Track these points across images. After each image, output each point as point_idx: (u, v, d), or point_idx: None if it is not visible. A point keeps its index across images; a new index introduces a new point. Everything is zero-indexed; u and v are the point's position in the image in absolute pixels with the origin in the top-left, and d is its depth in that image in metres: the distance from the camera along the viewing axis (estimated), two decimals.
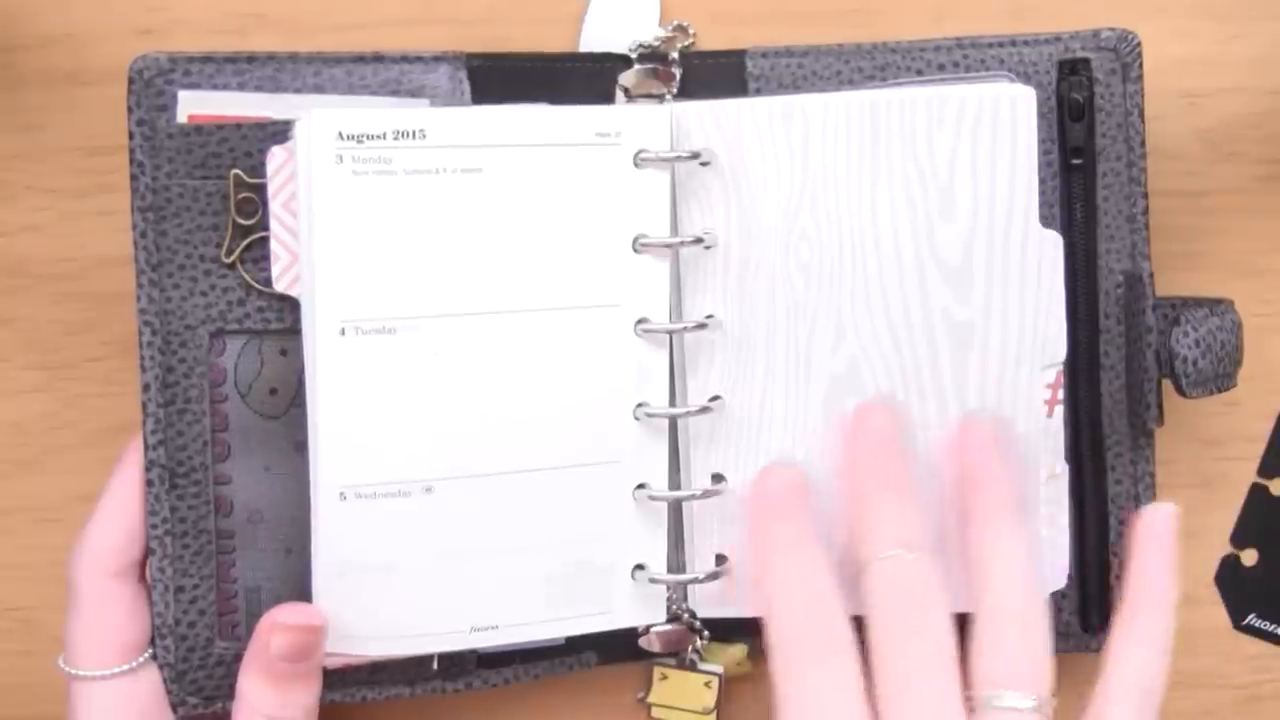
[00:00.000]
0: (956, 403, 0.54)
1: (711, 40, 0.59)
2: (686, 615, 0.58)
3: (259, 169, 0.53)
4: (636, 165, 0.54)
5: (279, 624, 0.51)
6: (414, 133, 0.51)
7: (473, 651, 0.56)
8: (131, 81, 0.53)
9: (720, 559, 0.57)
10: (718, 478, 0.57)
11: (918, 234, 0.53)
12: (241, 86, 0.54)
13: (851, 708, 0.46)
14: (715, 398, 0.56)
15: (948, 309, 0.53)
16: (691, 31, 0.59)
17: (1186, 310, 0.55)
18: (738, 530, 0.57)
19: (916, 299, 0.53)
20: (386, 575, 0.53)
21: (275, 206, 0.52)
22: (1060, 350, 0.54)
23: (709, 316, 0.56)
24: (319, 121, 0.51)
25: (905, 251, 0.53)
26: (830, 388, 0.55)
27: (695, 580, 0.57)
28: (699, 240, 0.55)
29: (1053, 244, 0.54)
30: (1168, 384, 0.55)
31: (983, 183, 0.53)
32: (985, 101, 0.53)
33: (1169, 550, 0.51)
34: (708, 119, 0.55)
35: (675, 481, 0.57)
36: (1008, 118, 0.52)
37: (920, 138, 0.53)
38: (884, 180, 0.53)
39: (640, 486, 0.56)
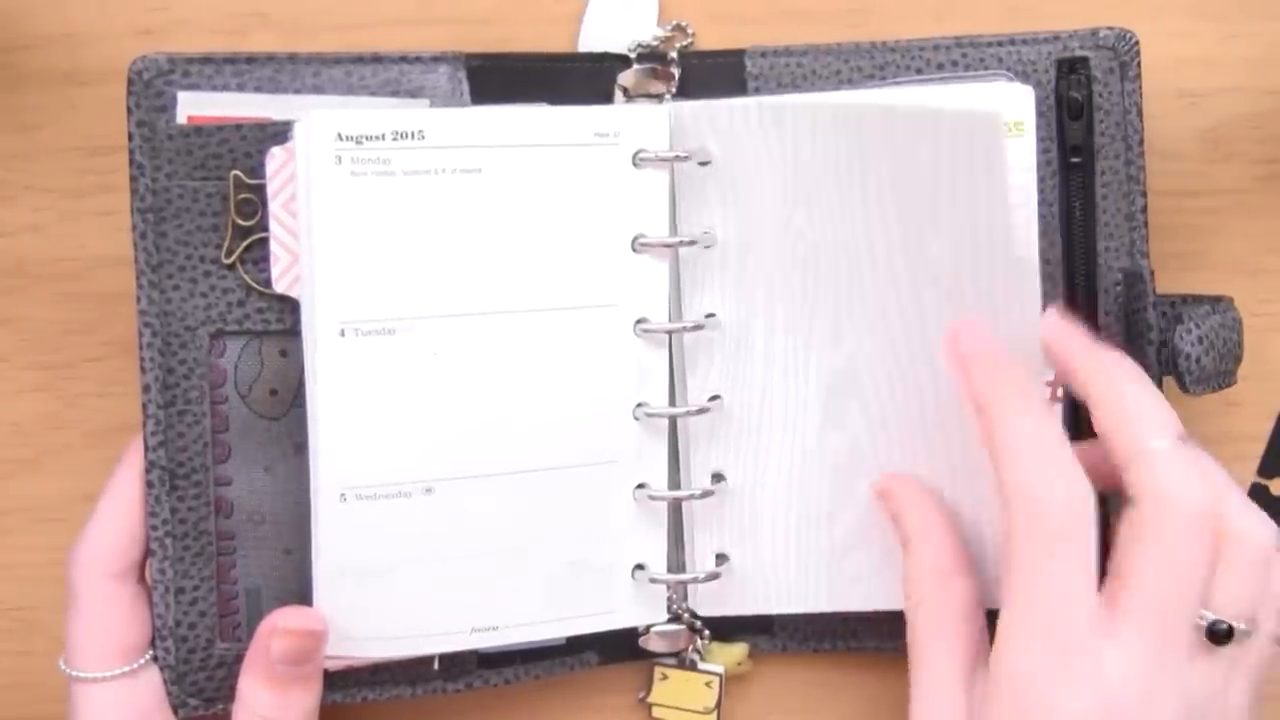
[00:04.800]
0: (952, 399, 0.53)
1: (710, 40, 0.59)
2: (687, 615, 0.58)
3: (259, 170, 0.53)
4: (635, 165, 0.55)
5: (279, 628, 0.51)
6: (413, 133, 0.51)
7: (473, 652, 0.56)
8: (131, 83, 0.53)
9: (721, 558, 0.57)
10: (718, 477, 0.57)
11: (907, 237, 0.53)
12: (241, 87, 0.54)
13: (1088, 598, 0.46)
14: (715, 397, 0.56)
15: (941, 312, 0.53)
16: (690, 31, 0.59)
17: (1188, 308, 0.55)
18: (738, 529, 0.57)
19: (910, 299, 0.53)
20: (387, 576, 0.53)
21: (275, 207, 0.52)
22: (1046, 370, 0.54)
23: (709, 316, 0.56)
24: (318, 122, 0.51)
25: (896, 254, 0.53)
26: (829, 386, 0.55)
27: (695, 580, 0.57)
28: (697, 240, 0.55)
29: (1029, 271, 0.51)
30: (1168, 383, 0.55)
31: (962, 188, 0.52)
32: (980, 102, 0.52)
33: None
34: (704, 119, 0.55)
35: (675, 481, 0.57)
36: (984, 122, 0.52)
37: (909, 139, 0.52)
38: (872, 184, 0.53)
39: (640, 486, 0.56)
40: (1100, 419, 0.49)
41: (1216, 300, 0.55)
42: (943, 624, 0.50)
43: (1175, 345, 0.54)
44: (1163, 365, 0.55)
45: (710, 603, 0.58)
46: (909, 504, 0.53)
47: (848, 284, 0.54)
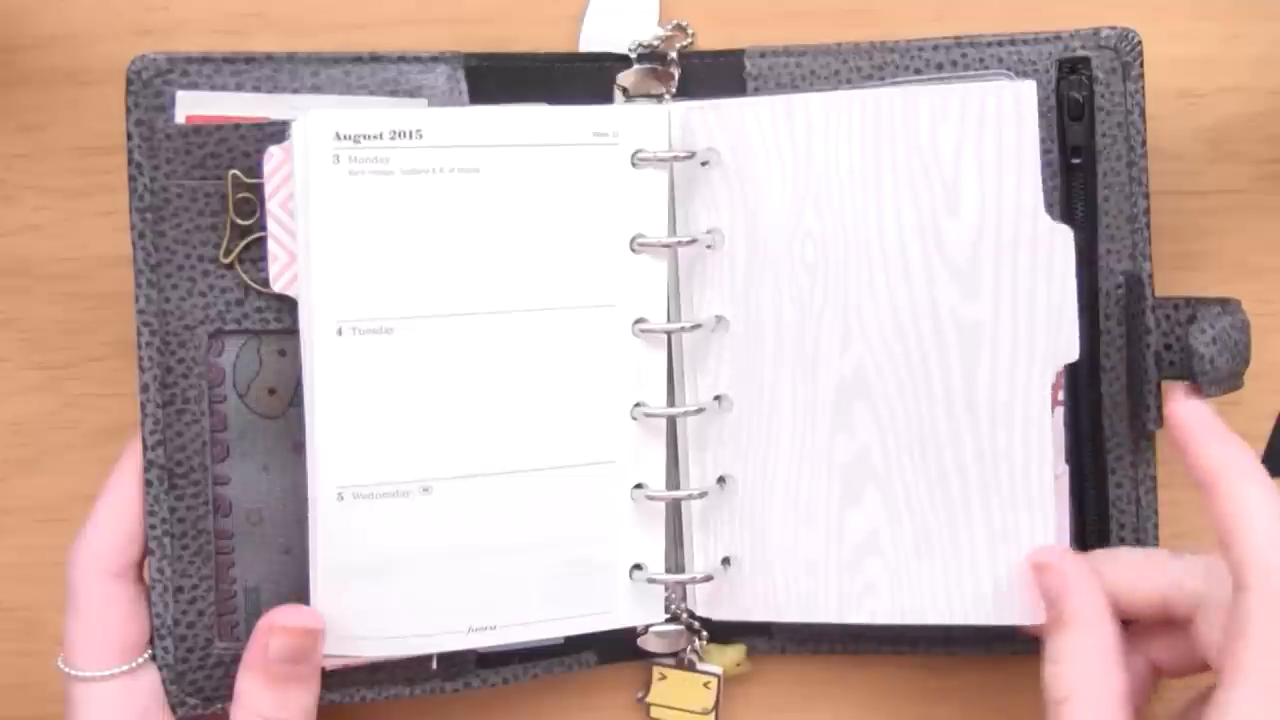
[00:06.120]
0: (964, 402, 0.53)
1: (710, 40, 0.59)
2: (685, 615, 0.58)
3: (257, 169, 0.53)
4: (634, 165, 0.55)
5: (277, 626, 0.51)
6: (411, 133, 0.51)
7: (472, 651, 0.56)
8: (130, 82, 0.53)
9: (727, 561, 0.57)
10: (724, 479, 0.56)
11: (924, 231, 0.53)
12: (239, 87, 0.54)
13: None
14: (719, 397, 0.56)
15: (955, 308, 0.53)
16: (690, 31, 0.59)
17: (1201, 308, 0.54)
18: (746, 532, 0.56)
19: (924, 297, 0.53)
20: (385, 575, 0.53)
21: (273, 206, 0.52)
22: (1073, 350, 0.53)
23: (717, 317, 0.56)
24: (316, 122, 0.51)
25: (911, 249, 0.53)
26: (839, 388, 0.55)
27: (693, 580, 0.57)
28: (696, 240, 0.55)
29: (1063, 238, 0.52)
30: (1167, 384, 0.55)
31: (988, 178, 0.52)
32: (987, 97, 0.52)
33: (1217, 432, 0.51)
34: (711, 118, 0.55)
35: (673, 481, 0.57)
36: (1010, 113, 0.52)
37: (924, 134, 0.53)
38: (888, 177, 0.53)
39: (638, 486, 0.56)
40: (1218, 515, 0.49)
41: (1225, 301, 0.55)
42: (1104, 713, 0.49)
43: (1190, 345, 0.53)
44: (1163, 369, 0.54)
45: (717, 607, 0.57)
46: (1077, 585, 0.51)
47: (857, 284, 0.54)
